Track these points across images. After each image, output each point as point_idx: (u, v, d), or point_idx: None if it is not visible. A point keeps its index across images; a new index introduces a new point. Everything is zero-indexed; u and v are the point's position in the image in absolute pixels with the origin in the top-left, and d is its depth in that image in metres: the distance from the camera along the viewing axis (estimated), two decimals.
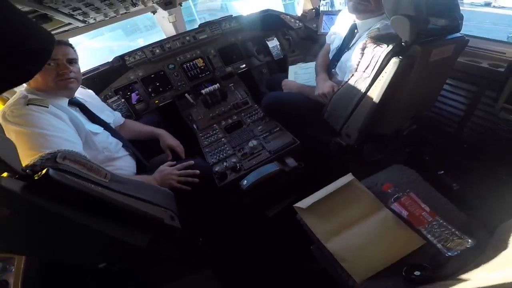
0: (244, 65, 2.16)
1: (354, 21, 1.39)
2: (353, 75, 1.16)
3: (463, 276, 0.63)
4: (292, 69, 1.81)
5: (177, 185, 1.21)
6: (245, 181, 1.33)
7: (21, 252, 0.89)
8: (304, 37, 2.15)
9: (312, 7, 2.07)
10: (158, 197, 1.04)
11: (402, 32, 0.98)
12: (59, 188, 0.66)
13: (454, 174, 1.38)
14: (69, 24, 1.39)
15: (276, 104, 1.60)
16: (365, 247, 0.93)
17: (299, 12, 2.20)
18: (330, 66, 1.53)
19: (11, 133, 0.95)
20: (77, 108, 1.21)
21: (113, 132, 1.30)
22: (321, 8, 2.06)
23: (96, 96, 1.47)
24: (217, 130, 1.75)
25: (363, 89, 1.12)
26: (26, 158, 0.68)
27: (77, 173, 0.73)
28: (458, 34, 1.08)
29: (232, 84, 2.03)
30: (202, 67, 2.07)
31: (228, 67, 2.12)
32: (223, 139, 1.66)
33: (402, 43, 1.01)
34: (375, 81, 1.07)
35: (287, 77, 1.79)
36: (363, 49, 1.09)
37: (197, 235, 1.33)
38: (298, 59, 2.08)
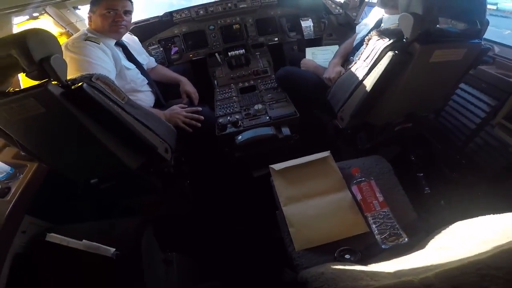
0: (276, 39, 2.28)
1: (383, 15, 1.41)
2: (355, 63, 1.21)
3: (377, 265, 0.68)
4: (309, 50, 1.90)
5: (181, 124, 1.45)
6: (240, 136, 1.51)
7: (39, 153, 1.10)
8: (342, 23, 2.15)
9: None
10: (161, 129, 1.27)
11: (405, 29, 0.99)
12: (87, 99, 0.92)
13: (432, 180, 1.37)
14: None
15: (288, 77, 1.72)
16: (315, 220, 1.01)
17: None
18: (350, 54, 1.56)
19: (67, 58, 1.24)
20: (120, 48, 1.52)
21: (143, 71, 1.60)
22: None
23: (139, 42, 1.77)
24: (232, 89, 1.96)
25: (360, 77, 1.17)
26: (73, 74, 0.95)
27: (103, 91, 0.99)
28: (475, 40, 1.04)
29: (259, 53, 2.18)
30: (238, 33, 2.24)
31: (261, 37, 2.26)
32: (234, 98, 1.87)
33: (404, 40, 1.02)
34: (371, 71, 1.11)
35: None
36: (368, 40, 1.14)
37: (185, 176, 1.57)
38: (333, 43, 2.10)
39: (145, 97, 1.58)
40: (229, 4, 2.15)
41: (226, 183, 1.79)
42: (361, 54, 1.18)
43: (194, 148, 1.61)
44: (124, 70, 1.46)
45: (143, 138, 1.13)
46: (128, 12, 1.46)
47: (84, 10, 1.86)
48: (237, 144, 1.49)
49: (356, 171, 1.12)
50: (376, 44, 1.09)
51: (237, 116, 1.66)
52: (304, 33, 2.15)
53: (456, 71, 1.17)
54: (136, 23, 2.08)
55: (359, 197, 1.05)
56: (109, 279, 0.96)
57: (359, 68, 1.19)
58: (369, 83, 1.13)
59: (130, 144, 1.15)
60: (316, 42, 2.21)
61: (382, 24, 1.40)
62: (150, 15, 2.23)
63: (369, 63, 1.12)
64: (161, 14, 2.17)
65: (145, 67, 1.69)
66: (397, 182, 1.10)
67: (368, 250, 0.91)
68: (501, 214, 0.53)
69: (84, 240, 1.00)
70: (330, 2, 2.18)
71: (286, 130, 1.55)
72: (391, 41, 1.04)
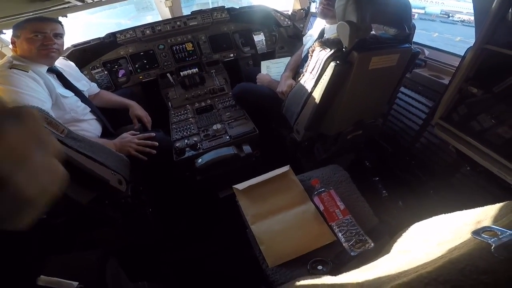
0: (232, 55, 2.32)
1: (325, 25, 1.51)
2: (303, 75, 1.28)
3: (347, 275, 0.70)
4: (264, 63, 1.97)
5: (133, 153, 1.37)
6: (200, 159, 1.49)
7: None
8: (291, 36, 2.28)
9: (300, 8, 2.18)
10: (111, 160, 1.19)
11: (343, 38, 1.06)
12: None
13: (388, 183, 1.50)
14: (69, 2, 1.55)
15: (244, 94, 1.75)
16: (283, 235, 1.03)
17: (291, 11, 2.31)
18: (299, 66, 1.66)
19: None
20: (54, 75, 1.41)
21: (83, 98, 1.49)
22: (312, 10, 2.17)
23: (75, 68, 1.66)
24: (188, 111, 1.92)
25: (309, 89, 1.24)
26: None
27: None
28: (406, 45, 1.16)
29: (214, 71, 2.18)
30: (191, 51, 2.22)
31: (215, 54, 2.28)
32: (191, 119, 1.82)
33: (343, 49, 1.09)
34: (318, 82, 1.18)
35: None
36: (312, 51, 1.21)
37: (146, 205, 1.49)
38: (286, 56, 2.21)
39: (90, 127, 1.48)
40: (178, 23, 2.14)
41: (192, 207, 1.72)
42: (307, 66, 1.26)
43: (152, 175, 1.54)
44: (61, 99, 1.35)
45: (91, 172, 1.05)
46: (59, 35, 1.37)
47: (9, 35, 1.71)
48: (198, 167, 1.46)
49: (316, 182, 1.18)
50: (320, 55, 1.17)
51: (195, 139, 1.62)
52: (257, 47, 2.23)
53: (393, 76, 1.29)
54: (75, 45, 1.97)
55: (321, 207, 1.10)
56: None
57: (307, 80, 1.26)
58: (317, 95, 1.20)
59: (76, 179, 1.06)
60: (270, 55, 2.31)
61: (324, 34, 1.49)
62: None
63: (315, 75, 1.19)
64: (103, 35, 2.08)
65: (87, 94, 1.59)
66: (355, 188, 1.17)
67: (339, 259, 0.95)
68: (452, 214, 0.58)
69: (42, 276, 0.89)
70: (279, 14, 2.30)
71: (247, 148, 1.56)
72: (332, 51, 1.12)
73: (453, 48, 1.60)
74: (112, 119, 1.65)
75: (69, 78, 1.47)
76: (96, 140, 1.37)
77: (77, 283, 0.89)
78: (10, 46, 1.62)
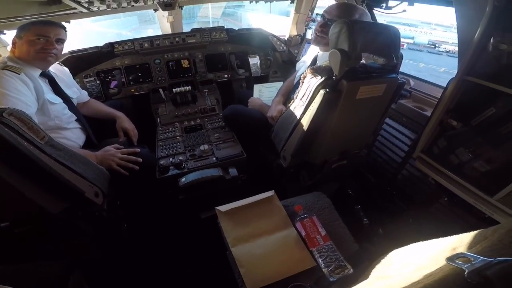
0: (226, 76, 2.38)
1: (318, 52, 1.59)
2: (293, 101, 1.33)
3: None
4: (256, 87, 2.02)
5: (115, 167, 1.35)
6: (184, 178, 1.47)
7: None
8: (285, 61, 2.38)
9: (296, 34, 2.31)
10: (90, 172, 1.17)
11: (334, 66, 1.10)
12: None
13: (369, 211, 1.52)
14: (75, 8, 1.60)
15: (235, 116, 1.78)
16: (264, 258, 1.04)
17: (287, 36, 2.44)
18: (291, 92, 1.72)
19: None
20: (46, 80, 1.42)
21: (71, 105, 1.49)
22: (308, 36, 2.29)
23: (69, 74, 1.68)
24: (176, 128, 1.92)
25: (298, 116, 1.28)
26: None
27: (17, 129, 0.90)
28: (393, 75, 1.21)
29: (207, 90, 2.22)
30: (186, 68, 2.27)
31: (210, 74, 2.33)
32: (178, 137, 1.82)
33: (334, 77, 1.14)
34: (307, 109, 1.22)
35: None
36: (304, 78, 1.26)
37: (122, 220, 1.44)
38: (279, 80, 2.29)
39: (73, 135, 1.46)
40: (177, 39, 2.19)
41: (172, 226, 1.68)
42: (298, 92, 1.30)
43: (132, 191, 1.50)
44: (48, 105, 1.35)
45: (67, 183, 1.03)
46: (61, 41, 1.40)
47: (9, 35, 1.72)
48: (181, 186, 1.44)
49: (299, 208, 1.19)
50: (311, 82, 1.21)
51: (180, 157, 1.61)
52: (252, 70, 2.31)
53: (379, 106, 1.34)
54: (72, 52, 1.98)
55: (303, 233, 1.11)
56: None
57: (297, 106, 1.30)
58: (305, 122, 1.24)
59: (49, 188, 1.03)
60: (263, 79, 2.39)
61: (317, 61, 1.55)
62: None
63: (305, 102, 1.23)
64: (101, 44, 2.11)
65: (76, 101, 1.59)
66: (337, 216, 1.19)
67: (318, 284, 0.95)
68: (429, 241, 0.60)
69: None
70: (275, 39, 2.41)
71: (233, 171, 1.56)
72: (323, 78, 1.16)
73: (437, 78, 1.70)
74: (98, 130, 1.64)
75: (60, 84, 1.48)
76: (77, 150, 1.35)
77: None
78: (8, 47, 1.65)
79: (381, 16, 1.75)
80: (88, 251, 1.41)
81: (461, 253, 0.39)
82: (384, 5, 1.37)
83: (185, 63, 2.27)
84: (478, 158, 1.02)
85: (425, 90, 1.63)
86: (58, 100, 1.42)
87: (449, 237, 0.55)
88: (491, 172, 0.99)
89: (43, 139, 1.01)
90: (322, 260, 1.01)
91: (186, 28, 2.39)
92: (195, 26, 2.33)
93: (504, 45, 0.94)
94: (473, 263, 0.35)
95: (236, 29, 2.38)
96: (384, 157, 1.74)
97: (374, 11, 1.68)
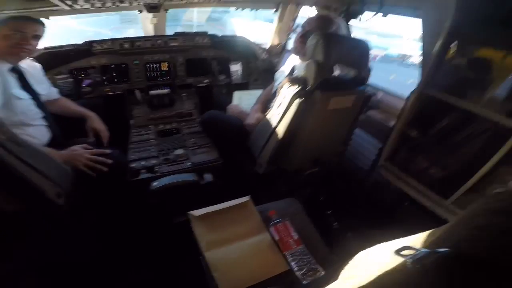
0: (206, 80, 2.38)
1: (296, 63, 1.66)
2: (270, 110, 1.38)
3: None
4: (236, 94, 2.07)
5: (82, 168, 1.31)
6: (156, 182, 1.44)
7: None
8: (266, 69, 2.45)
9: (278, 43, 2.40)
10: (52, 171, 1.12)
11: (309, 76, 1.16)
12: None
13: (339, 216, 1.61)
14: (57, 5, 1.55)
15: (212, 122, 1.78)
16: (238, 263, 1.05)
17: (268, 45, 2.52)
18: (269, 100, 1.77)
19: None
20: (15, 75, 1.36)
21: (39, 102, 1.43)
22: (289, 46, 2.37)
23: (40, 70, 1.61)
24: (151, 131, 1.89)
25: (274, 124, 1.32)
26: None
27: None
28: (362, 87, 1.29)
29: (186, 94, 2.22)
30: (164, 72, 2.25)
31: (190, 78, 2.32)
32: (152, 141, 1.79)
33: (308, 87, 1.20)
34: (282, 118, 1.28)
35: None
36: (281, 87, 1.31)
37: (84, 222, 1.37)
38: (259, 88, 2.35)
39: (37, 132, 1.40)
40: (159, 41, 2.18)
41: (141, 230, 1.62)
42: (275, 101, 1.36)
43: (99, 193, 1.44)
44: (13, 100, 1.30)
45: (26, 180, 0.99)
46: (37, 37, 1.37)
47: None
48: (153, 190, 1.42)
49: (273, 213, 1.23)
50: (287, 92, 1.27)
51: (153, 161, 1.58)
52: (233, 77, 2.35)
53: (348, 117, 1.42)
54: (47, 48, 1.91)
55: (276, 237, 1.14)
56: None
57: (273, 115, 1.35)
58: (281, 131, 1.28)
59: (6, 186, 0.97)
60: (244, 86, 2.43)
61: (295, 71, 1.61)
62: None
63: (281, 111, 1.28)
64: (80, 42, 2.05)
65: (44, 99, 1.52)
66: (309, 221, 1.24)
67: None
68: (391, 241, 0.65)
69: None
70: (257, 47, 2.47)
71: (208, 176, 1.55)
72: (299, 88, 1.21)
73: (406, 88, 1.84)
74: (66, 129, 1.57)
75: (30, 80, 1.43)
76: (41, 148, 1.28)
77: None
78: None
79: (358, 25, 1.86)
80: (43, 254, 1.32)
81: (407, 246, 0.44)
82: (360, 17, 1.48)
83: (164, 66, 2.24)
84: (434, 165, 1.13)
85: (391, 102, 1.74)
86: (25, 96, 1.36)
87: (408, 237, 0.61)
88: (446, 177, 1.10)
89: (5, 134, 0.97)
90: (295, 264, 1.05)
91: (169, 31, 2.39)
92: (179, 29, 2.34)
93: (459, 59, 1.06)
94: (415, 254, 0.40)
95: (220, 35, 2.42)
96: (354, 165, 1.84)
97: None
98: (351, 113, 1.41)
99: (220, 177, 1.62)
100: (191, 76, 2.34)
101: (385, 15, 1.46)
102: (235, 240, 1.13)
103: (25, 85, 1.39)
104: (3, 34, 1.27)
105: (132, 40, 2.13)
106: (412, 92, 1.21)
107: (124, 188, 1.47)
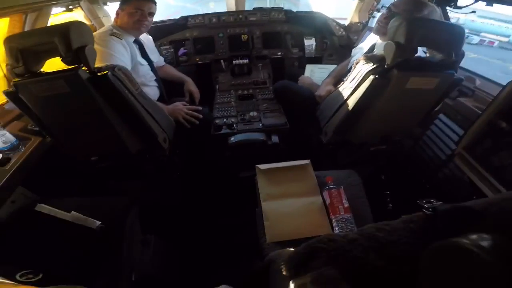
0: (280, 53, 2.54)
1: (377, 41, 1.63)
2: (343, 83, 1.43)
3: None
4: (309, 67, 2.15)
5: (181, 119, 1.68)
6: (233, 138, 1.73)
7: (53, 127, 1.27)
8: (343, 45, 2.41)
9: (358, 21, 2.29)
10: (163, 120, 1.50)
11: (387, 56, 1.17)
12: (108, 85, 1.15)
13: (397, 200, 1.57)
14: None
15: (284, 91, 1.95)
16: (288, 217, 1.18)
17: (347, 22, 2.43)
18: (343, 75, 1.79)
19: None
20: (137, 46, 1.77)
21: (153, 68, 1.84)
22: (371, 24, 2.25)
23: (152, 41, 2.03)
24: (232, 95, 2.20)
25: (345, 97, 1.38)
26: (97, 63, 1.17)
27: (122, 80, 1.22)
28: (449, 71, 1.21)
29: (261, 65, 2.43)
30: (244, 43, 2.49)
31: (265, 50, 2.52)
32: (233, 103, 2.10)
33: (385, 66, 1.20)
34: (354, 92, 1.32)
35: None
36: (356, 63, 1.34)
37: (177, 168, 1.76)
38: (333, 63, 2.35)
39: (151, 91, 1.81)
40: (240, 16, 2.43)
41: (215, 180, 1.98)
42: (349, 75, 1.40)
43: (189, 142, 1.83)
44: (138, 66, 1.71)
45: (148, 126, 1.34)
46: (151, 14, 1.72)
47: (111, 7, 2.15)
48: (229, 144, 1.71)
49: (330, 179, 1.32)
50: (362, 68, 1.30)
51: (232, 119, 1.87)
52: (306, 51, 2.41)
53: (429, 99, 1.36)
54: (154, 23, 2.30)
55: (328, 200, 1.24)
56: (89, 250, 1.09)
57: (345, 88, 1.41)
58: (351, 103, 1.34)
59: (135, 129, 1.37)
60: (317, 60, 2.46)
61: (374, 50, 1.60)
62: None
63: (354, 85, 1.33)
64: (177, 17, 2.45)
65: (155, 65, 1.93)
66: (363, 194, 1.30)
67: None
68: None
69: (72, 212, 1.14)
70: (334, 24, 2.44)
71: (275, 138, 1.76)
72: (375, 66, 1.24)
73: None
74: (168, 90, 1.98)
75: (146, 50, 1.82)
76: (156, 102, 1.69)
77: (99, 222, 1.12)
78: (110, 17, 2.04)
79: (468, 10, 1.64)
80: (144, 193, 1.75)
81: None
82: (453, 4, 1.32)
83: (244, 38, 2.48)
84: None
85: (491, 91, 1.54)
86: (145, 62, 1.77)
87: None
88: None
89: (137, 90, 1.33)
90: (338, 229, 1.13)
91: (248, 6, 2.58)
92: (255, 5, 2.50)
93: None
94: None
95: (295, 10, 2.48)
96: (429, 152, 1.73)
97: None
98: (433, 96, 1.33)
99: (286, 140, 1.81)
100: (266, 48, 2.52)
101: (489, 4, 1.25)
102: (290, 197, 1.26)
103: (144, 53, 1.80)
104: (128, 12, 1.63)
105: (219, 15, 2.42)
106: (510, 82, 1.07)
107: (208, 140, 1.80)
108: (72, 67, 1.09)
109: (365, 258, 0.48)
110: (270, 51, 2.53)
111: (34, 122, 1.29)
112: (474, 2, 1.29)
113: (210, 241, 1.73)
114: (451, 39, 1.15)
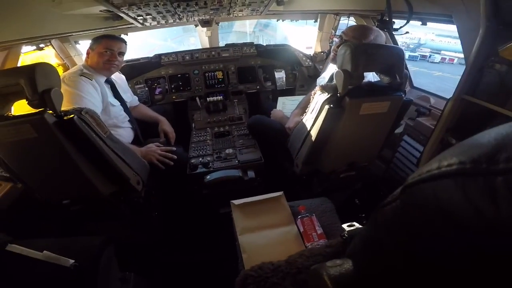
0: (256, 87, 2.69)
1: (335, 69, 1.77)
2: (305, 114, 1.54)
3: None
4: (280, 99, 2.27)
5: (155, 161, 1.70)
6: (209, 176, 1.76)
7: (21, 173, 1.26)
8: (311, 76, 2.59)
9: (320, 50, 2.51)
10: (135, 163, 1.51)
11: (339, 84, 1.26)
12: (75, 129, 1.17)
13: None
14: (132, 24, 2.05)
15: (257, 126, 2.05)
16: (264, 248, 1.22)
17: (312, 52, 2.66)
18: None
19: (62, 89, 1.53)
20: (109, 85, 1.83)
21: (126, 108, 1.90)
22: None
23: (125, 80, 2.10)
24: (208, 133, 2.26)
25: (308, 128, 1.47)
26: (64, 107, 1.19)
27: (89, 123, 1.24)
28: (398, 93, 1.31)
29: (237, 100, 2.55)
30: (220, 79, 2.63)
31: (241, 85, 2.66)
32: (209, 141, 2.16)
33: (338, 94, 1.30)
34: (315, 122, 1.41)
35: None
36: (314, 94, 1.45)
37: (154, 208, 1.76)
38: (304, 94, 2.50)
39: (125, 133, 1.85)
40: (213, 53, 2.59)
41: (194, 217, 1.97)
42: (309, 106, 1.50)
43: (165, 183, 1.84)
44: (109, 106, 1.74)
45: (118, 169, 1.35)
46: (122, 54, 1.80)
47: (83, 45, 2.25)
48: (206, 182, 1.74)
49: (302, 208, 1.38)
50: (319, 98, 1.40)
51: (208, 158, 1.92)
52: (277, 84, 2.58)
53: (385, 123, 1.45)
54: (127, 61, 2.43)
55: (301, 229, 1.28)
56: None
57: (307, 119, 1.50)
58: (314, 133, 1.43)
59: (105, 173, 1.37)
60: (289, 92, 2.63)
61: (334, 78, 1.73)
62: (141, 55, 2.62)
63: (314, 115, 1.42)
64: (151, 55, 2.58)
65: (128, 105, 2.00)
66: (337, 219, 1.34)
67: None
68: None
69: (44, 251, 1.09)
70: (301, 55, 2.66)
71: (251, 173, 1.82)
72: (329, 95, 1.33)
73: None
74: (144, 130, 2.03)
75: (118, 90, 1.88)
76: (128, 145, 1.71)
77: (73, 261, 1.07)
78: (82, 56, 2.12)
79: (426, 29, 1.83)
80: (122, 233, 1.73)
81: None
82: (390, 27, 1.48)
83: (219, 74, 2.63)
84: None
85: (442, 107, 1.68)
86: (117, 103, 1.82)
87: None
88: None
89: (106, 133, 1.34)
90: None
91: (225, 38, 2.78)
92: (232, 36, 2.68)
93: (498, 64, 1.02)
94: None
95: (264, 44, 2.69)
96: (402, 174, 1.83)
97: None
98: (389, 119, 1.44)
99: (261, 174, 1.86)
100: (242, 83, 2.67)
101: (423, 23, 1.44)
102: (266, 228, 1.30)
103: (116, 93, 1.86)
104: (98, 52, 1.69)
105: (192, 52, 2.57)
106: (450, 98, 1.19)
107: (184, 180, 1.83)
108: (38, 111, 1.08)
109: (281, 284, 0.53)
110: (246, 85, 2.67)
111: (2, 168, 1.28)
112: (406, 24, 1.42)
113: (191, 278, 1.70)
114: (393, 62, 1.26)
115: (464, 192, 0.22)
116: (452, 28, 1.26)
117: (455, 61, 16.56)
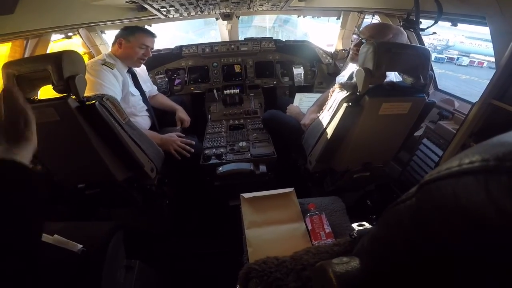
0: (272, 82, 2.68)
1: (355, 68, 1.72)
2: (322, 111, 1.52)
3: None
4: (298, 96, 2.26)
5: (172, 151, 1.75)
6: (221, 168, 1.79)
7: (40, 155, 1.29)
8: (330, 73, 2.55)
9: (342, 48, 2.44)
10: (151, 151, 1.56)
11: (359, 83, 1.23)
12: (96, 115, 1.22)
13: None
14: (155, 15, 2.09)
15: (271, 120, 2.05)
16: (271, 244, 1.20)
17: (333, 49, 2.60)
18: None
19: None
20: (130, 75, 1.89)
21: (145, 98, 1.97)
22: None
23: (145, 70, 2.17)
24: (223, 125, 2.29)
25: (324, 125, 1.46)
26: (88, 92, 1.25)
27: (110, 110, 1.29)
28: (420, 94, 1.27)
29: (253, 94, 2.56)
30: (238, 73, 2.65)
31: (258, 80, 2.67)
32: (223, 133, 2.19)
33: (358, 93, 1.26)
34: (332, 120, 1.39)
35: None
36: (332, 91, 1.43)
37: (165, 196, 1.80)
38: (323, 91, 2.46)
39: (142, 121, 1.92)
40: (232, 46, 2.61)
41: (205, 208, 2.01)
42: (327, 104, 1.48)
43: (178, 172, 1.88)
44: (129, 96, 1.81)
45: (134, 155, 1.40)
46: (151, 48, 1.87)
47: (109, 35, 2.32)
48: (218, 174, 1.76)
49: (312, 206, 1.36)
50: (337, 96, 1.38)
51: (222, 150, 1.95)
52: (295, 80, 2.56)
53: (404, 125, 1.41)
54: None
55: (310, 227, 1.28)
56: (69, 273, 1.06)
57: (324, 117, 1.49)
58: (330, 131, 1.41)
59: (121, 158, 1.42)
60: (307, 88, 2.60)
61: (353, 77, 1.69)
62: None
63: (331, 113, 1.40)
64: (172, 47, 2.63)
65: (147, 94, 2.06)
66: (347, 219, 1.32)
67: None
68: None
69: (55, 235, 1.13)
70: (322, 52, 2.61)
71: (263, 168, 1.83)
72: (348, 93, 1.31)
73: None
74: (160, 119, 2.09)
75: (139, 79, 1.94)
76: (147, 131, 1.77)
77: (81, 246, 1.10)
78: (107, 45, 2.17)
79: (455, 30, 1.74)
80: (133, 221, 1.78)
81: None
82: (417, 27, 1.41)
83: (237, 68, 2.65)
84: None
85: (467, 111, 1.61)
86: (137, 92, 1.89)
87: None
88: None
89: (125, 120, 1.40)
90: None
91: (245, 32, 2.79)
92: (252, 31, 2.68)
93: None
94: None
95: (284, 40, 2.67)
96: (417, 177, 1.77)
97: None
98: (409, 120, 1.39)
99: (273, 169, 1.86)
100: (259, 78, 2.67)
101: (454, 24, 1.37)
102: (273, 224, 1.29)
103: (137, 83, 1.92)
104: (134, 45, 1.74)
105: (211, 45, 2.60)
106: (476, 103, 1.13)
107: (196, 170, 1.86)
108: (62, 96, 1.14)
109: (284, 280, 0.53)
110: (263, 80, 2.68)
111: None
112: (434, 24, 1.36)
113: (195, 268, 1.73)
114: (418, 62, 1.21)
115: (486, 190, 0.21)
116: (484, 30, 1.19)
117: (485, 64, 15.69)
